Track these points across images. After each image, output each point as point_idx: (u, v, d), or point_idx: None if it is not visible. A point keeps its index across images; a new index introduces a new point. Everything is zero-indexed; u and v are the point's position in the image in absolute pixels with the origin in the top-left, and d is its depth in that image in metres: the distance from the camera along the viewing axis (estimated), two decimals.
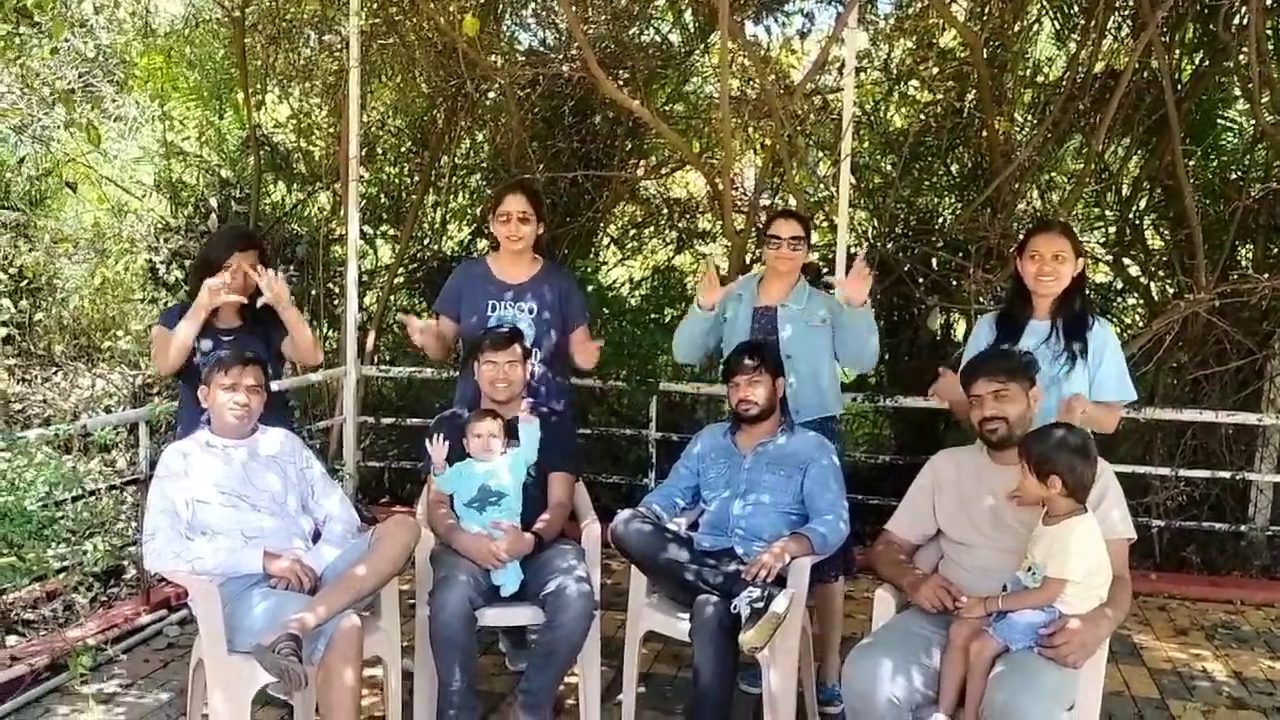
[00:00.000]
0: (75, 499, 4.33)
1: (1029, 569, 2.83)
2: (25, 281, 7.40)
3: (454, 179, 7.32)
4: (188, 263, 7.05)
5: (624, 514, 3.51)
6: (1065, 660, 2.70)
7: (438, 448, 3.57)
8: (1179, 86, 5.66)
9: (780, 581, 3.24)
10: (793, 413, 3.78)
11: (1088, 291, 3.48)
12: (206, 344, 3.64)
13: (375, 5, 6.11)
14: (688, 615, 3.31)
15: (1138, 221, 6.35)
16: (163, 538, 3.13)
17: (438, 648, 3.30)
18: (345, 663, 2.98)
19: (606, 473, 6.03)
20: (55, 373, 7.20)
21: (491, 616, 3.44)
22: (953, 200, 6.72)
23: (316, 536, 3.41)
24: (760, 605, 3.08)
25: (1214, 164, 6.11)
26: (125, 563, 4.73)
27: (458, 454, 3.63)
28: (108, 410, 6.61)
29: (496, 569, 3.42)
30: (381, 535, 3.24)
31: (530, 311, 3.95)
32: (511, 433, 3.67)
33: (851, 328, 3.79)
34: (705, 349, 4.06)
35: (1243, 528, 5.57)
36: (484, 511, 3.52)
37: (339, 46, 6.49)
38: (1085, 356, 3.33)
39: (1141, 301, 6.40)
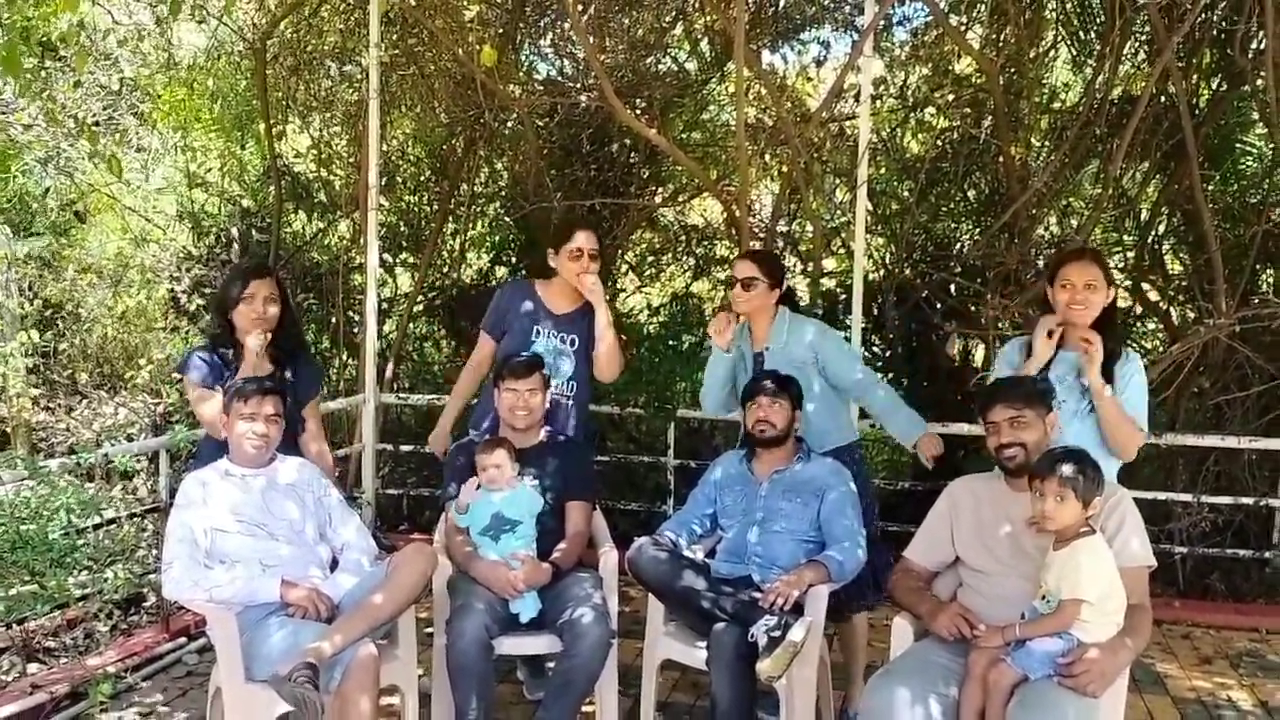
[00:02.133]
0: (96, 527, 4.36)
1: (1044, 597, 2.81)
2: (50, 311, 7.48)
3: (473, 207, 7.37)
4: (209, 292, 7.12)
5: (641, 541, 3.51)
6: (1084, 689, 2.68)
7: (468, 489, 3.59)
8: (1196, 111, 5.66)
9: (798, 609, 3.23)
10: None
11: (1118, 321, 3.44)
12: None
13: (395, 37, 6.19)
14: (705, 643, 3.30)
15: (1157, 246, 6.33)
16: (180, 566, 3.14)
17: (455, 676, 3.29)
18: (362, 691, 2.98)
19: (624, 500, 6.02)
20: (79, 401, 7.27)
21: (509, 645, 3.44)
22: (970, 226, 6.72)
23: (334, 565, 3.42)
24: (777, 634, 3.07)
25: (1233, 188, 6.09)
26: (146, 590, 4.75)
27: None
28: (129, 438, 6.66)
29: (514, 598, 3.42)
30: (399, 563, 3.24)
31: (572, 344, 3.98)
32: (528, 460, 3.68)
33: (885, 415, 3.91)
34: (732, 392, 3.99)
35: (1267, 554, 5.50)
36: (499, 540, 3.53)
37: (359, 77, 6.57)
38: (1111, 383, 3.31)
39: (1161, 327, 6.36)
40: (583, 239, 3.92)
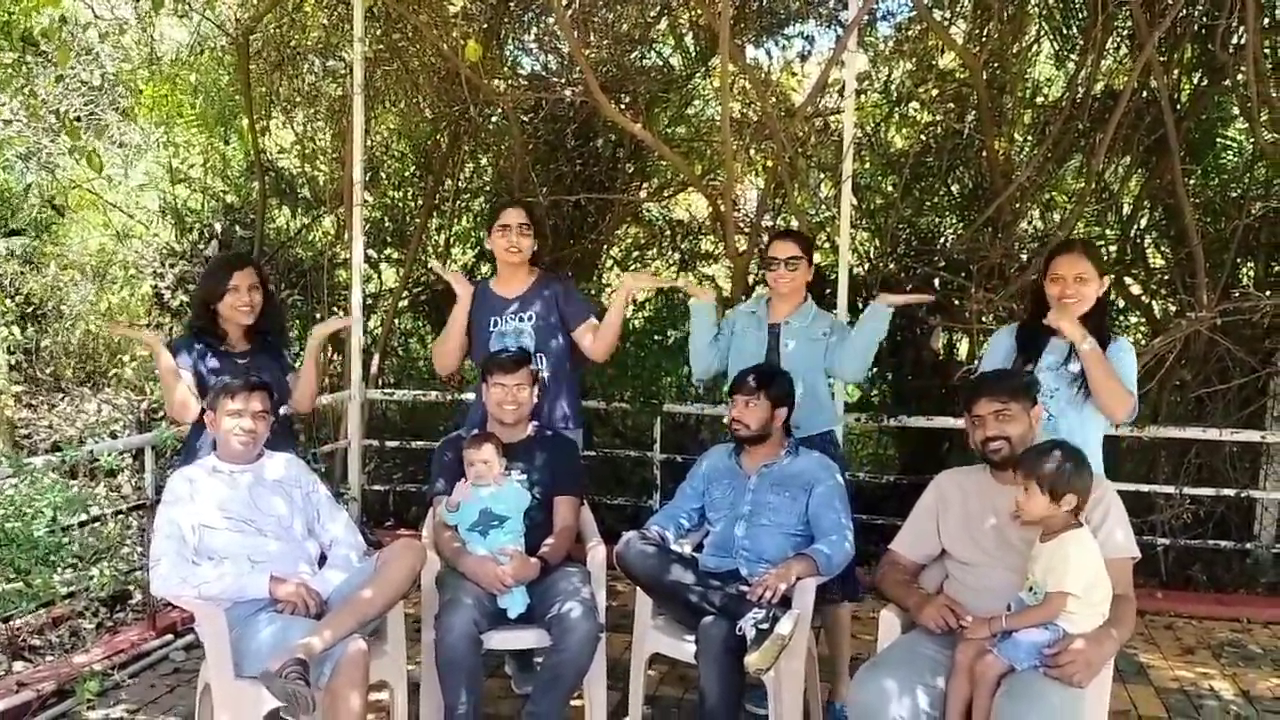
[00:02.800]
0: (82, 524, 4.34)
1: (1030, 588, 2.84)
2: (32, 308, 7.43)
3: (457, 203, 7.35)
4: (192, 288, 7.09)
5: (629, 536, 3.52)
6: (1070, 679, 2.70)
7: (461, 488, 3.60)
8: (1178, 106, 5.69)
9: (785, 603, 3.24)
10: (794, 427, 3.80)
11: (1110, 312, 3.47)
12: (213, 362, 3.68)
13: (379, 32, 6.16)
14: (693, 637, 3.31)
15: (1139, 240, 6.36)
16: (168, 563, 3.14)
17: (444, 671, 3.30)
18: (351, 687, 2.98)
19: (611, 494, 6.03)
20: (62, 398, 7.22)
21: (497, 640, 3.45)
22: (954, 220, 6.74)
23: (323, 560, 3.42)
24: (765, 627, 3.09)
25: (1214, 182, 6.12)
26: (131, 588, 4.74)
27: (461, 477, 3.65)
28: (114, 435, 6.63)
29: (502, 593, 3.42)
30: (387, 559, 3.25)
31: (530, 320, 4.05)
32: (516, 455, 3.69)
33: (858, 341, 3.88)
34: (719, 359, 4.08)
35: (1248, 545, 5.56)
36: (487, 535, 3.53)
37: (343, 72, 6.54)
38: None
39: (1144, 320, 6.40)
40: (509, 215, 4.06)
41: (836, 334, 3.94)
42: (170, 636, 4.50)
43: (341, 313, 6.92)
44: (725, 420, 3.74)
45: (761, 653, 3.05)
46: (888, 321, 3.88)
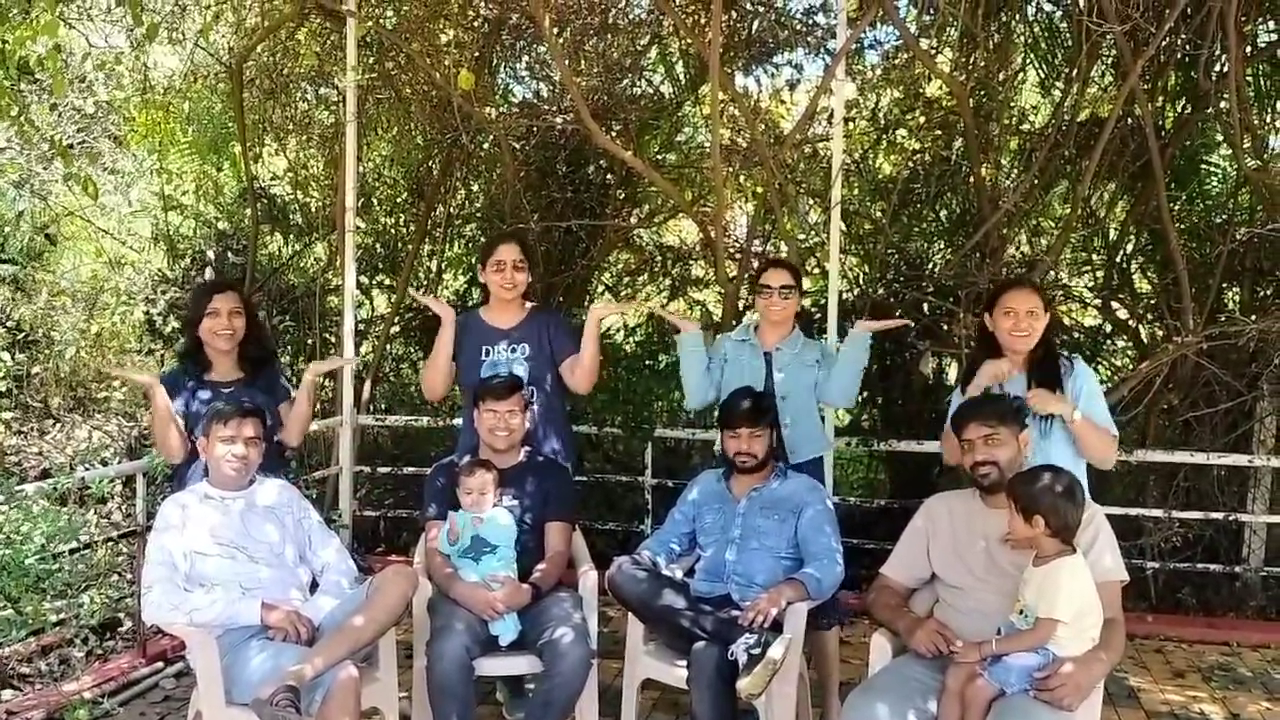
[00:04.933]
0: (72, 551, 4.33)
1: (1020, 612, 2.85)
2: (22, 335, 7.42)
3: (449, 229, 7.38)
4: (183, 314, 7.10)
5: (620, 561, 3.53)
6: (1060, 703, 2.72)
7: (453, 526, 3.61)
8: (1162, 133, 5.75)
9: (777, 627, 3.25)
10: (789, 453, 3.83)
11: (1063, 337, 3.51)
12: (204, 395, 3.69)
13: (372, 60, 6.20)
14: (685, 662, 3.32)
15: (1125, 265, 6.41)
16: (160, 590, 3.14)
17: (435, 698, 3.30)
18: (343, 714, 2.98)
19: (603, 519, 6.03)
20: (52, 424, 7.20)
21: (489, 666, 3.45)
22: (942, 246, 6.79)
23: (314, 586, 3.42)
24: (757, 651, 3.10)
25: (1199, 208, 6.19)
26: (121, 615, 4.72)
27: (453, 502, 3.66)
28: (104, 462, 6.61)
29: (494, 620, 3.43)
30: (379, 585, 3.25)
31: (523, 352, 4.05)
32: (507, 481, 3.70)
33: (843, 369, 3.91)
34: (714, 388, 4.08)
35: (1237, 569, 5.58)
36: (479, 561, 3.54)
37: (336, 100, 6.58)
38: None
39: (1130, 344, 6.44)
40: (504, 251, 4.06)
41: (825, 362, 3.98)
42: (161, 664, 4.47)
43: (334, 339, 6.93)
44: (716, 449, 3.75)
45: (753, 677, 3.06)
46: (868, 348, 3.93)
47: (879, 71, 6.48)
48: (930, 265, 6.64)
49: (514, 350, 4.06)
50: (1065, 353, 3.59)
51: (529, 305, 4.19)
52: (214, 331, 3.75)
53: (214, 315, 3.74)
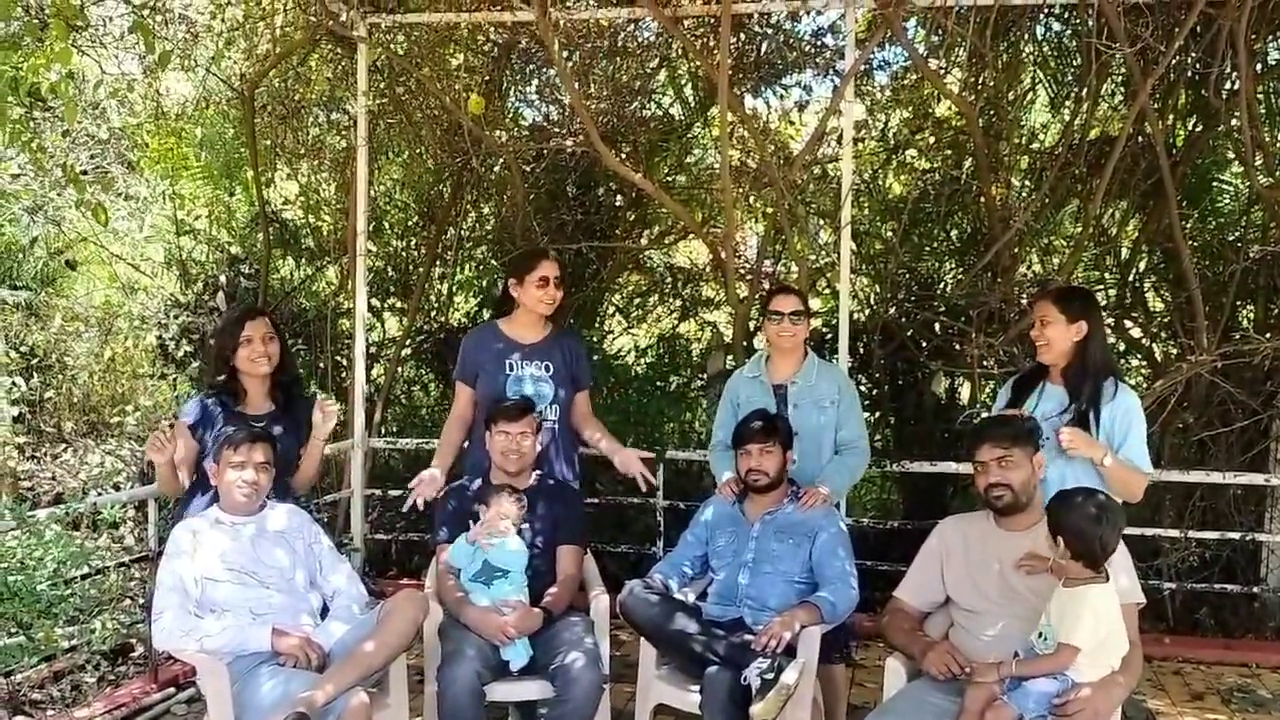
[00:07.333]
0: (84, 577, 4.33)
1: (1040, 634, 2.82)
2: (36, 360, 7.45)
3: (460, 252, 7.40)
4: (196, 338, 7.13)
5: (632, 584, 3.51)
6: None
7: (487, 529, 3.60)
8: (1173, 151, 5.74)
9: (790, 651, 3.23)
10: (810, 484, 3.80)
11: (1098, 356, 3.43)
12: (229, 428, 3.67)
13: (383, 85, 6.24)
14: (698, 687, 3.29)
15: (1138, 284, 6.39)
16: (171, 616, 3.14)
17: None
18: None
19: (614, 542, 6.01)
20: (65, 450, 7.22)
21: (500, 692, 3.43)
22: (953, 265, 6.78)
23: (325, 612, 3.41)
24: (770, 676, 3.07)
25: (1211, 226, 6.16)
26: (133, 641, 4.71)
27: (464, 524, 3.65)
28: (116, 487, 6.62)
29: (505, 645, 3.41)
30: (390, 610, 3.24)
31: (547, 370, 4.08)
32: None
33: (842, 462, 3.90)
34: None
35: (1255, 589, 5.52)
36: (491, 585, 3.53)
37: (347, 125, 6.61)
38: (1098, 424, 3.33)
39: (1145, 363, 6.41)
40: (547, 267, 4.08)
41: (843, 399, 3.93)
42: (172, 690, 4.46)
43: (345, 362, 6.94)
44: (739, 472, 3.71)
45: (766, 703, 3.03)
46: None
47: (888, 92, 6.50)
48: (941, 285, 6.63)
49: (538, 366, 4.08)
50: (1112, 374, 3.44)
51: (551, 324, 4.21)
52: (251, 359, 3.67)
53: (249, 344, 3.67)
